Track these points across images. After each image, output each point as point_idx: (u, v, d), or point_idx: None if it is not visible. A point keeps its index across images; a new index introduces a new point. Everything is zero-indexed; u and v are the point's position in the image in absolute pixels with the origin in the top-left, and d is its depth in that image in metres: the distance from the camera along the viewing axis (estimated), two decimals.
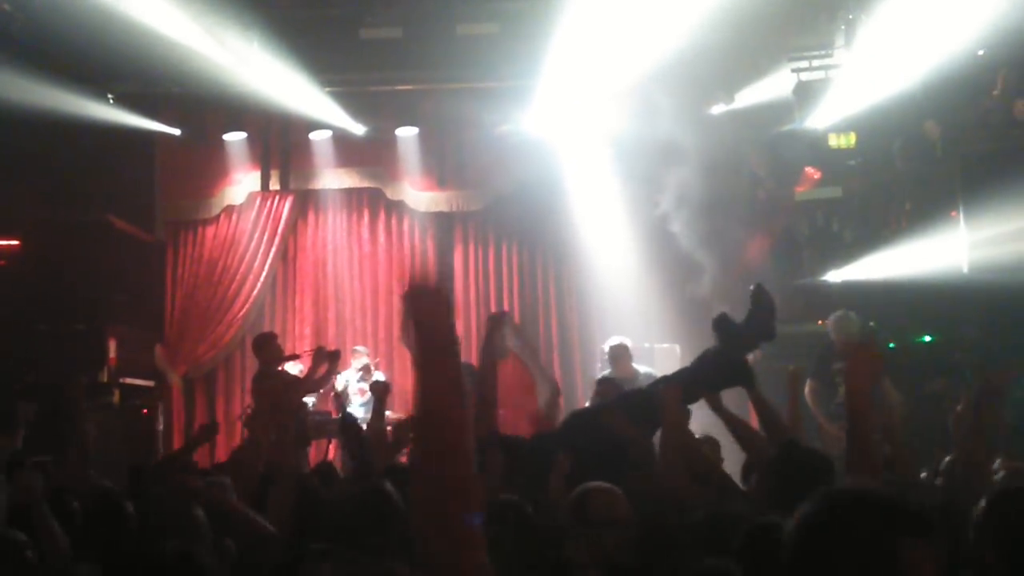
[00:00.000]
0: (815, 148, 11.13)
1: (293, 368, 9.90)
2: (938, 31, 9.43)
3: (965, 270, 9.48)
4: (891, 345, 10.02)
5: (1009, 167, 9.20)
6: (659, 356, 10.93)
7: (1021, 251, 8.85)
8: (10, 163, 11.07)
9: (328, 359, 8.73)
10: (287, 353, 10.14)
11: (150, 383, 11.46)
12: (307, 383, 8.95)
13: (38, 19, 9.51)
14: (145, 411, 10.17)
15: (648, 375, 9.13)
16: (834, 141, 10.90)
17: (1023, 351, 8.14)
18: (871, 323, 10.12)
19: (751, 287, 5.76)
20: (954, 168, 10.04)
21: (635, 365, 9.89)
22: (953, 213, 9.93)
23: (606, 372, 10.05)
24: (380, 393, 6.61)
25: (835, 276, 10.82)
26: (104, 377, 10.34)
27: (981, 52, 9.57)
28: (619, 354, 9.86)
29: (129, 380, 10.78)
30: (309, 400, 10.77)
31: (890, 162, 10.76)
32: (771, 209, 11.74)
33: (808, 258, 11.35)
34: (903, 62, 9.84)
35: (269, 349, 9.65)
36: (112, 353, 10.51)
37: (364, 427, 10.47)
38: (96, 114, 11.19)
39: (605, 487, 3.89)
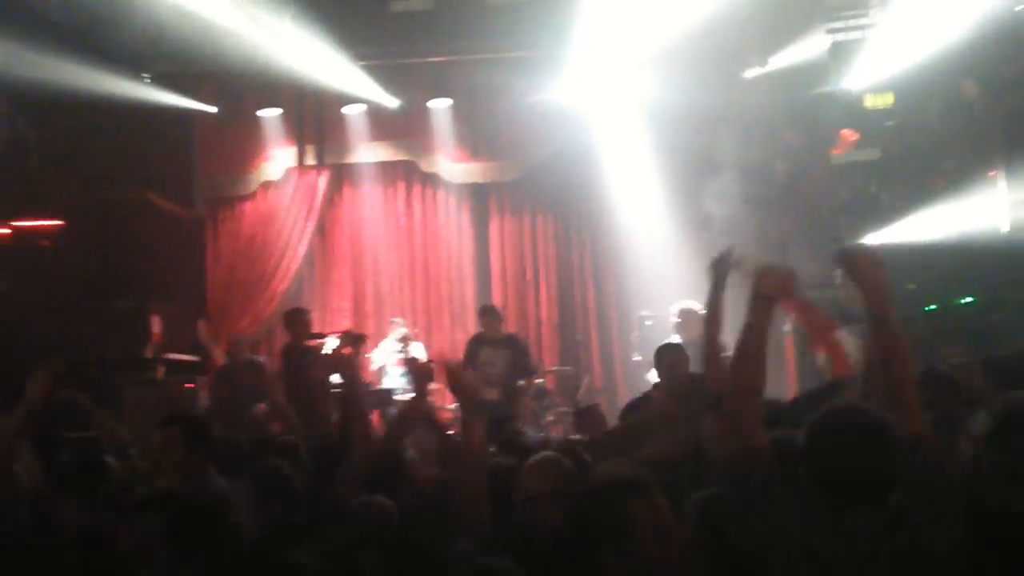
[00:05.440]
0: (852, 110, 11.03)
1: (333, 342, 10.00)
2: None
3: (1006, 230, 9.39)
4: (932, 307, 9.96)
5: None
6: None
7: None
8: (51, 145, 11.21)
9: (353, 342, 8.78)
10: (318, 328, 10.34)
11: (194, 358, 11.58)
12: (329, 361, 9.06)
13: (75, 1, 9.59)
14: (189, 385, 10.28)
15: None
16: (871, 102, 10.80)
17: None
18: (911, 285, 10.07)
19: None
20: (994, 127, 9.92)
21: None
22: (993, 173, 9.82)
23: (674, 337, 9.96)
24: (422, 377, 6.48)
25: (873, 239, 10.74)
26: (148, 353, 10.47)
27: (1020, 7, 9.44)
28: (689, 318, 9.61)
29: (173, 356, 10.91)
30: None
31: (929, 122, 10.65)
32: (806, 174, 11.65)
33: (846, 221, 11.26)
34: (940, 19, 9.72)
35: (299, 323, 9.76)
36: (156, 329, 10.64)
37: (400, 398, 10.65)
38: (134, 94, 11.31)
39: None
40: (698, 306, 9.57)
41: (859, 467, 2.75)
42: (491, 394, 9.97)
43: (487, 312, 10.67)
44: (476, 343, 10.41)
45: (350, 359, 5.90)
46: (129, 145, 11.56)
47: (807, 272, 10.44)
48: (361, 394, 5.65)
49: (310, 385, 8.08)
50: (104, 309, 10.33)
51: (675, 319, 9.68)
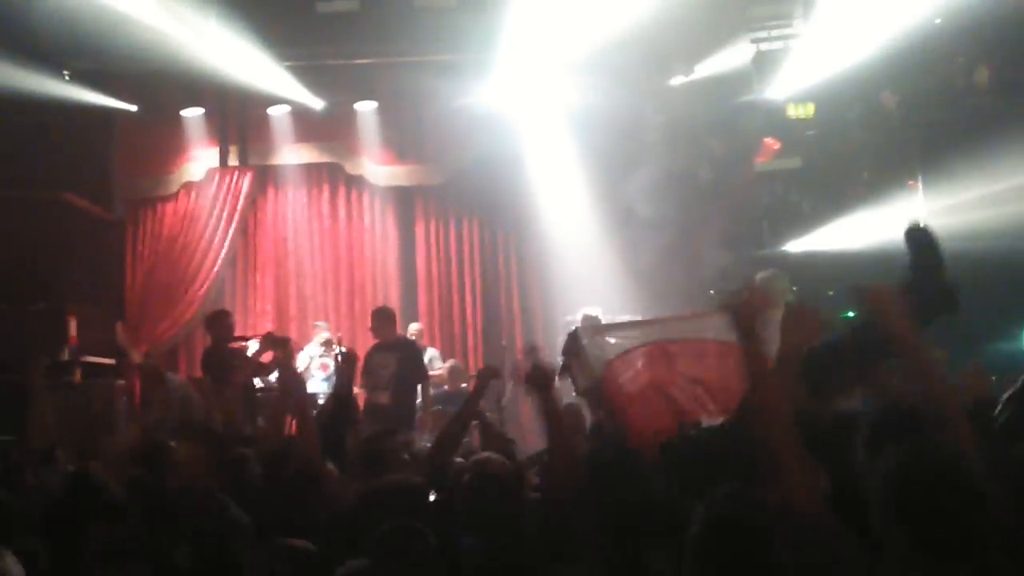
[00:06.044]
0: (774, 119, 11.20)
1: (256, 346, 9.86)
2: (896, 0, 9.50)
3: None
4: (850, 314, 10.12)
5: (967, 135, 9.30)
6: None
7: (979, 219, 8.95)
8: None
9: (275, 346, 8.66)
10: (240, 332, 10.22)
11: (111, 361, 11.36)
12: (252, 364, 8.95)
13: None
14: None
15: None
16: (793, 111, 10.97)
17: (981, 318, 8.24)
18: (830, 292, 10.24)
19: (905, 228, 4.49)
20: (912, 137, 10.13)
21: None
22: (911, 182, 10.03)
23: None
24: (350, 364, 6.41)
25: (794, 246, 10.91)
26: (65, 356, 10.23)
27: (938, 21, 9.65)
28: (589, 323, 9.80)
29: (90, 359, 10.68)
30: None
31: (849, 132, 10.85)
32: (729, 181, 11.82)
33: (767, 229, 11.44)
34: (861, 32, 9.90)
35: (221, 326, 9.57)
36: (73, 332, 10.39)
37: (322, 401, 10.49)
38: (52, 91, 11.06)
39: None
40: (600, 311, 9.86)
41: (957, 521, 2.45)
42: (382, 398, 9.73)
43: (377, 315, 10.24)
44: (372, 348, 10.17)
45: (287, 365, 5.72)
46: (47, 143, 11.28)
47: (728, 279, 10.65)
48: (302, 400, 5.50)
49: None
50: (19, 311, 10.07)
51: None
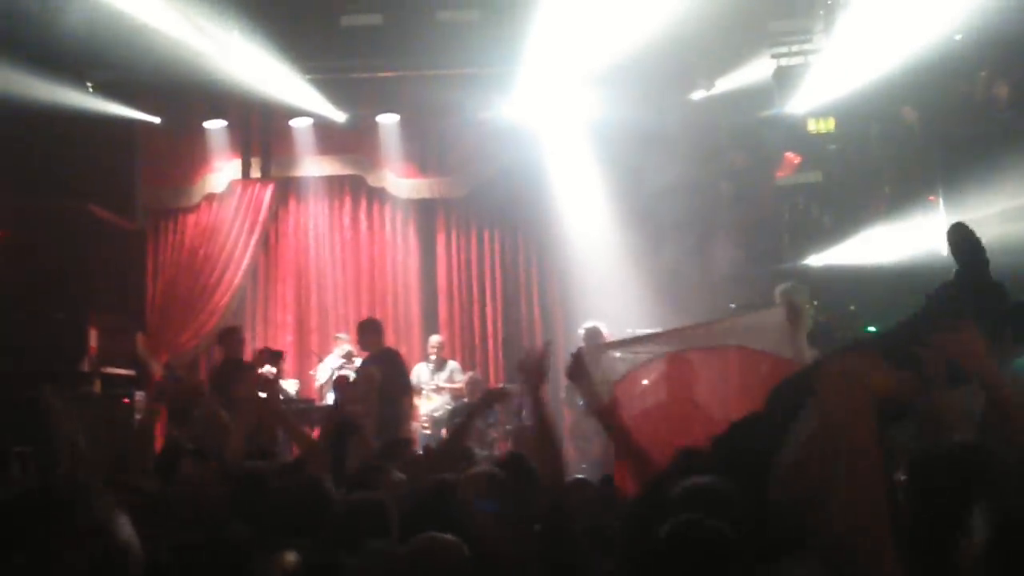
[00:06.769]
0: (795, 133, 11.17)
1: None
2: (916, 16, 9.45)
3: (945, 254, 9.51)
4: (870, 329, 10.06)
5: (988, 150, 9.23)
6: None
7: (1000, 234, 8.87)
8: None
9: (271, 360, 8.69)
10: (261, 343, 10.26)
11: (131, 372, 11.40)
12: (256, 379, 8.98)
13: (16, 7, 9.45)
14: (126, 400, 10.10)
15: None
16: (814, 126, 10.93)
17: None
18: (851, 307, 10.19)
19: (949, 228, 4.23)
20: (933, 152, 10.06)
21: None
22: (932, 197, 9.96)
23: None
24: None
25: (815, 260, 10.86)
26: (85, 366, 10.29)
27: (959, 37, 9.60)
28: (592, 336, 9.87)
29: (110, 369, 10.73)
30: (292, 388, 10.93)
31: (869, 147, 10.80)
32: (750, 195, 11.80)
33: (788, 243, 11.39)
34: (882, 47, 9.86)
35: (230, 341, 9.61)
36: (93, 342, 10.45)
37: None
38: (76, 102, 11.15)
39: None
40: (603, 325, 9.85)
41: None
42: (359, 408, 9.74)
43: (361, 329, 10.39)
44: (363, 361, 10.22)
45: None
46: (70, 154, 11.34)
47: (745, 293, 10.61)
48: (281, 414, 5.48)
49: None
50: (41, 321, 10.12)
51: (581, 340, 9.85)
